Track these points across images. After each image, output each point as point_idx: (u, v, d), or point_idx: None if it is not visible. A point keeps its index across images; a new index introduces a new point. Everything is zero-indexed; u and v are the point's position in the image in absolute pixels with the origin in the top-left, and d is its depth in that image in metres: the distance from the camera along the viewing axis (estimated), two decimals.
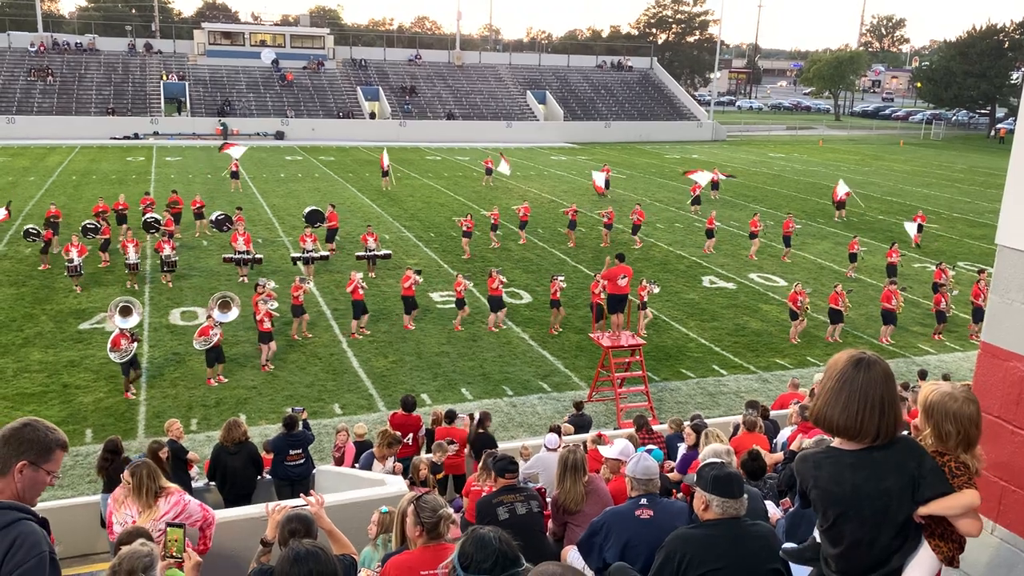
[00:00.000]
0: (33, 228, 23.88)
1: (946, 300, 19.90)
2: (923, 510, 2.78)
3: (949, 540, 2.84)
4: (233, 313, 16.80)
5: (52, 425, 3.03)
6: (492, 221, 27.53)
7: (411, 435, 11.30)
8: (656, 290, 19.92)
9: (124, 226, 25.91)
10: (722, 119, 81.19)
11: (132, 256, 21.41)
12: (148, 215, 25.69)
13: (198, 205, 27.60)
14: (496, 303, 19.34)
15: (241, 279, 22.27)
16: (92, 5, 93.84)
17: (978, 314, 19.54)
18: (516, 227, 28.35)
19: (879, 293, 20.77)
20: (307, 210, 26.93)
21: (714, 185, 38.41)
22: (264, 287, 17.73)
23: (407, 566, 4.21)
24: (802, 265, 26.43)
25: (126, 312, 15.76)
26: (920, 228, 29.37)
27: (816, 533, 3.12)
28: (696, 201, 34.10)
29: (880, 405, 2.80)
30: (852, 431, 2.81)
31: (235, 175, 36.38)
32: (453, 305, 20.01)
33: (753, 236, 27.27)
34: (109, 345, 15.21)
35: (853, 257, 25.35)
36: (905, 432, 2.98)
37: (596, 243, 28.14)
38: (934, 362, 18.28)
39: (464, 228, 25.98)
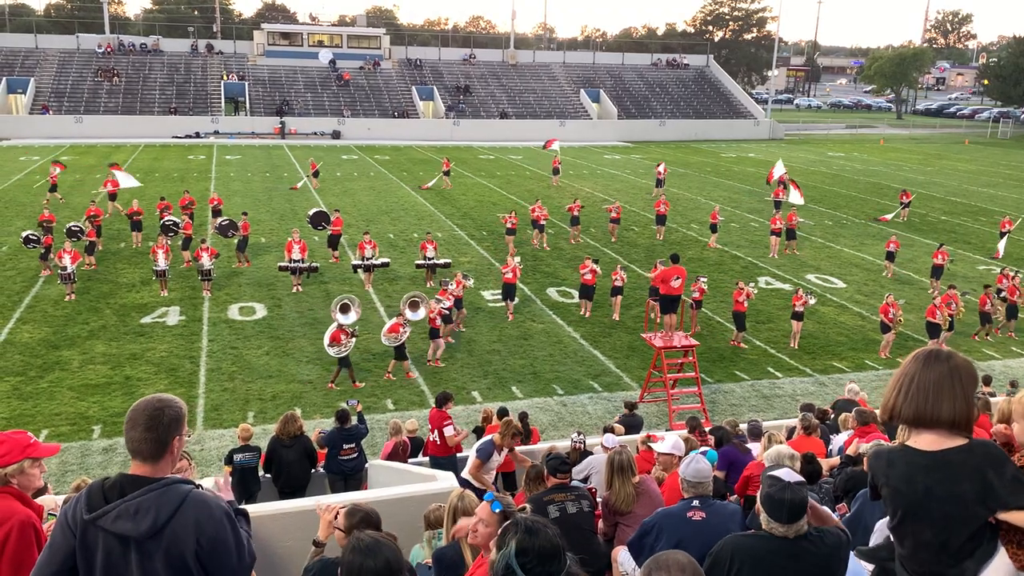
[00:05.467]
0: (171, 221, 24.03)
1: (991, 300, 19.59)
2: (1005, 517, 2.68)
3: None
4: (420, 313, 17.07)
5: (174, 396, 3.32)
6: (572, 214, 27.93)
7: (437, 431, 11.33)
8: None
9: (138, 232, 25.40)
10: (780, 117, 79.89)
11: (162, 263, 20.94)
12: (166, 218, 24.60)
13: (215, 202, 27.91)
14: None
15: (295, 288, 21.61)
16: (156, 7, 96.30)
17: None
18: (567, 225, 28.28)
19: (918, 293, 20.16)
20: (312, 211, 25.66)
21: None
22: (448, 285, 18.26)
23: None
24: (861, 266, 25.86)
25: (345, 309, 16.29)
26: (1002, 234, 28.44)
27: (891, 533, 3.04)
28: (777, 206, 32.56)
29: (951, 392, 2.75)
30: (925, 419, 2.77)
31: (316, 174, 37.50)
32: (504, 302, 20.05)
33: (775, 234, 27.15)
34: (327, 340, 15.85)
35: (891, 256, 24.75)
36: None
37: (650, 240, 27.92)
38: (999, 367, 17.70)
39: (509, 225, 25.97)
